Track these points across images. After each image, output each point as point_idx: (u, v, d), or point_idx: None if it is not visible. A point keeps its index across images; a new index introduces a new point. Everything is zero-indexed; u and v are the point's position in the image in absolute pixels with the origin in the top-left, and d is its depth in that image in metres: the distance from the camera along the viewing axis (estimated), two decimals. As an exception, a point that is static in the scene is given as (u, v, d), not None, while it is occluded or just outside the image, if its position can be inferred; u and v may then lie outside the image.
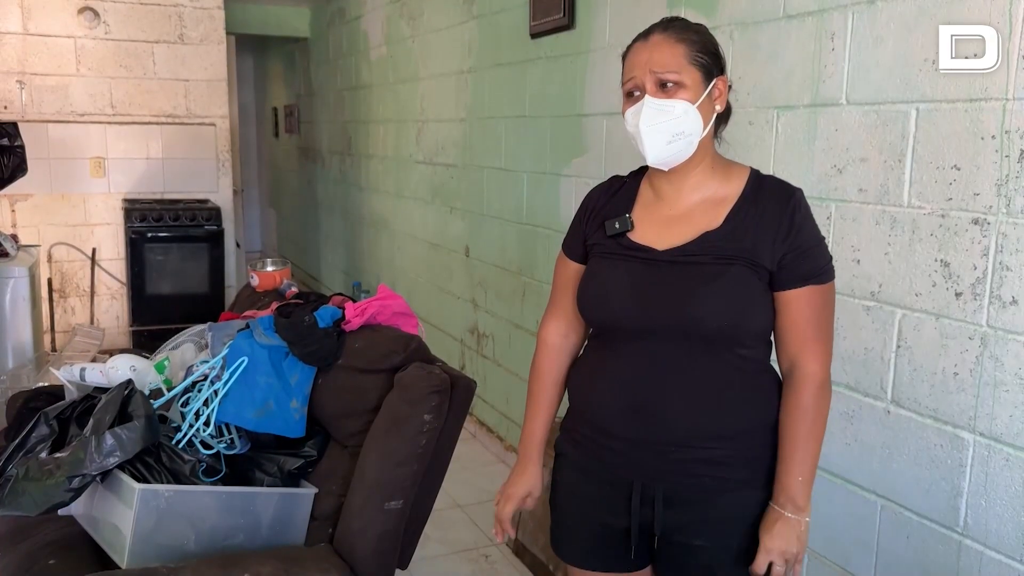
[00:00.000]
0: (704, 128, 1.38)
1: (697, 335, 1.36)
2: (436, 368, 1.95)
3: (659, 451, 1.40)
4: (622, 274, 1.43)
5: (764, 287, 1.37)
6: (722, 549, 1.41)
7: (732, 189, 1.41)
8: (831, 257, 1.41)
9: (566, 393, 1.60)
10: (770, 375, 1.45)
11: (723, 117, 1.45)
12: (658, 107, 1.35)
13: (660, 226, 1.43)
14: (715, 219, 1.39)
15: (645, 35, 1.40)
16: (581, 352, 1.59)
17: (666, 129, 1.35)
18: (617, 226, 1.45)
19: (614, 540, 1.48)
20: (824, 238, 1.41)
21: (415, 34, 4.61)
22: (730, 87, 1.44)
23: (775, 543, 1.37)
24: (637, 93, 1.38)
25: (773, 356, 1.46)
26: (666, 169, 1.41)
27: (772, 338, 1.44)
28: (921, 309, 1.77)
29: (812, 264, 1.36)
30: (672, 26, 1.39)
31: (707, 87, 1.37)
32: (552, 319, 1.62)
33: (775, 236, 1.35)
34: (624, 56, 1.43)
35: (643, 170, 1.51)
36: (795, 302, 1.37)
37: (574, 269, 1.55)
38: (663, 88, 1.36)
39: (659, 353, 1.38)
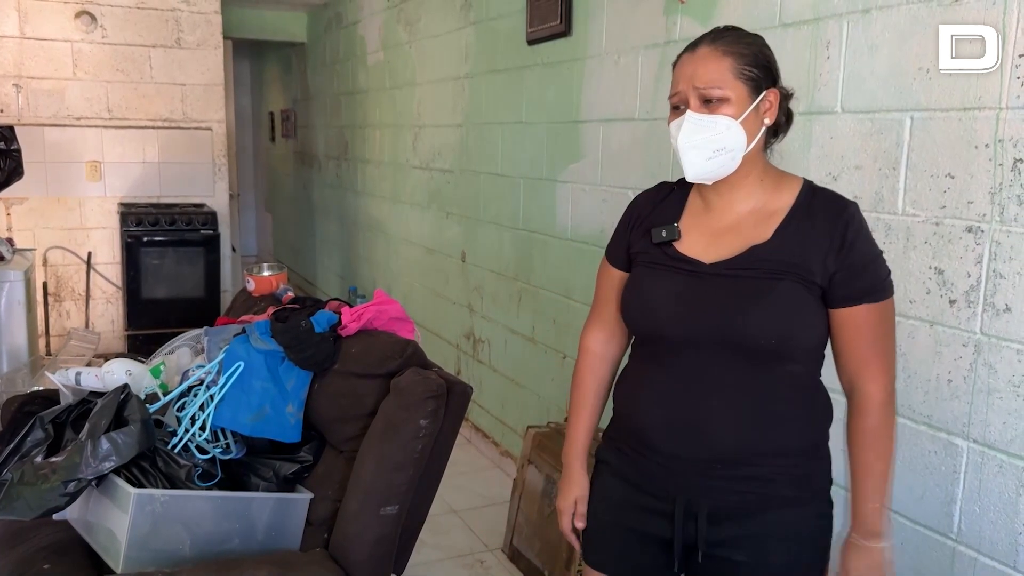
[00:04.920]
0: (749, 143, 1.33)
1: (744, 351, 1.33)
2: (432, 373, 1.96)
3: (703, 469, 1.37)
4: (668, 285, 1.39)
5: (816, 302, 1.32)
6: (763, 566, 1.38)
7: (783, 201, 1.37)
8: (889, 272, 1.35)
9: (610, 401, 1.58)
10: (820, 391, 1.41)
11: (778, 128, 1.41)
12: (699, 123, 1.32)
13: (708, 237, 1.40)
14: (764, 232, 1.35)
15: (694, 46, 1.36)
16: (627, 361, 1.55)
17: (706, 145, 1.32)
18: (664, 234, 1.41)
19: (651, 549, 1.45)
20: (881, 253, 1.35)
21: (412, 39, 4.62)
22: (788, 95, 1.40)
23: None
24: (682, 107, 1.35)
25: (823, 372, 1.43)
26: (708, 183, 1.39)
27: (824, 353, 1.40)
28: (915, 316, 1.78)
29: (867, 281, 1.32)
30: (722, 38, 1.35)
31: (754, 101, 1.33)
32: (593, 327, 1.59)
33: (827, 251, 1.31)
34: (674, 65, 1.40)
35: None
36: (851, 321, 1.32)
37: (617, 277, 1.52)
38: (707, 104, 1.32)
39: (704, 367, 1.35)
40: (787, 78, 2.05)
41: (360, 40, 5.52)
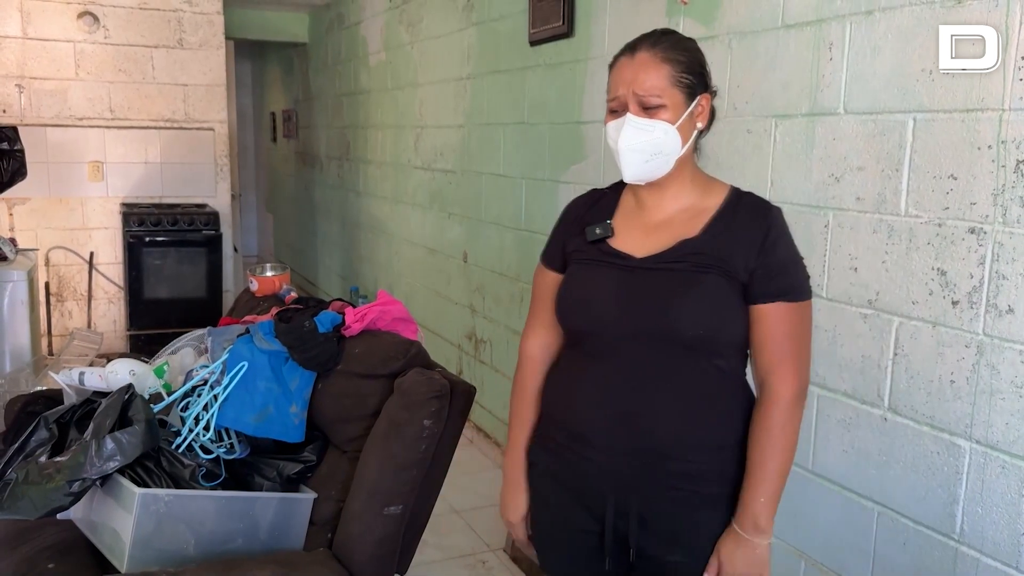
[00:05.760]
0: (683, 146, 1.40)
1: (676, 342, 1.37)
2: (436, 374, 1.96)
3: (638, 463, 1.39)
4: (602, 280, 1.43)
5: (739, 297, 1.37)
6: (697, 566, 1.40)
7: (712, 202, 1.43)
8: (808, 277, 1.41)
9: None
10: (745, 391, 1.44)
11: (705, 128, 1.46)
12: (639, 127, 1.37)
13: (640, 233, 1.45)
14: (694, 228, 1.41)
15: (632, 49, 1.40)
16: (557, 361, 1.56)
17: (645, 148, 1.38)
18: (598, 231, 1.47)
19: (590, 548, 1.47)
20: (802, 259, 1.41)
21: (414, 40, 4.63)
22: (715, 93, 1.45)
23: (735, 568, 1.36)
24: (620, 110, 1.40)
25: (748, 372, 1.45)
26: (642, 184, 1.44)
27: (747, 352, 1.43)
28: (918, 317, 1.78)
29: (785, 281, 1.37)
30: (660, 44, 1.39)
31: (689, 107, 1.39)
32: (533, 333, 1.60)
33: (748, 248, 1.36)
34: (611, 67, 1.44)
35: (623, 183, 1.50)
36: (767, 318, 1.37)
37: (552, 279, 1.55)
38: (645, 109, 1.37)
39: (639, 360, 1.38)
40: (789, 79, 2.07)
41: (362, 41, 5.53)
